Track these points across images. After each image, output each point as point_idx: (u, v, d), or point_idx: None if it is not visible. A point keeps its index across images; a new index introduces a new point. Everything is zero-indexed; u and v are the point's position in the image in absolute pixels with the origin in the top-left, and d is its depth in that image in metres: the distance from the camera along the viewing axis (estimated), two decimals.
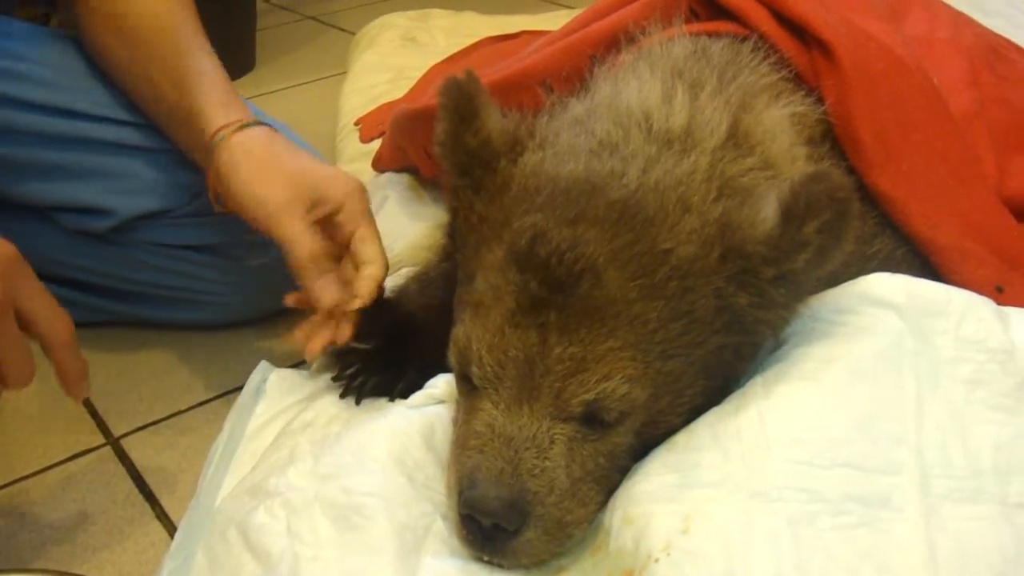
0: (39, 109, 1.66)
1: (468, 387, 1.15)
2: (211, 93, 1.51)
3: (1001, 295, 1.26)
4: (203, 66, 1.55)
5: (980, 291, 1.21)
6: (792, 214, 1.06)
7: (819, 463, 1.05)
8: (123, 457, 1.59)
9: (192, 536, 1.21)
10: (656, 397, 1.10)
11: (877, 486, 1.04)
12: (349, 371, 1.38)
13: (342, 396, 1.36)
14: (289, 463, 1.21)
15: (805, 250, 1.07)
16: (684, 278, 1.08)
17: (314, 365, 1.44)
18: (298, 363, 1.60)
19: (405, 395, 1.33)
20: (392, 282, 1.50)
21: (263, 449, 1.32)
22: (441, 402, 1.29)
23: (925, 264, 1.32)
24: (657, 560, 1.01)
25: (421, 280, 1.49)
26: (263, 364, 1.46)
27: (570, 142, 1.19)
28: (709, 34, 1.39)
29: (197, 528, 1.22)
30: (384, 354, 1.38)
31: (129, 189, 1.67)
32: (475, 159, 1.21)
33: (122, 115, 1.68)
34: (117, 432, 1.66)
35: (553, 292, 1.06)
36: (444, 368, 1.31)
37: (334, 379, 1.39)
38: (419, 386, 1.33)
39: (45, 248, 1.72)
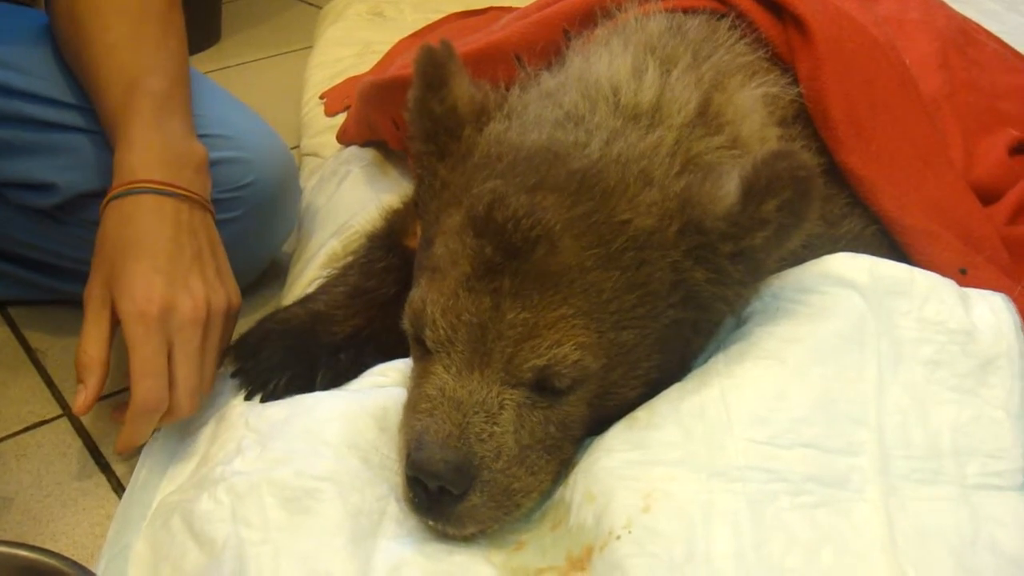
0: None
1: (421, 351, 1.14)
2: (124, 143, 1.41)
3: (964, 277, 1.27)
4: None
5: (944, 273, 1.22)
6: (753, 191, 1.06)
7: (780, 443, 1.06)
8: (79, 428, 1.57)
9: (128, 527, 1.19)
10: (609, 368, 1.10)
11: (837, 466, 1.05)
12: (256, 380, 1.32)
13: (262, 401, 1.30)
14: (236, 454, 1.19)
15: (765, 228, 1.08)
16: (641, 250, 1.08)
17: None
18: None
19: (333, 383, 1.31)
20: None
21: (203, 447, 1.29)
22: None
23: (893, 245, 1.33)
24: (618, 537, 1.01)
25: (344, 268, 1.49)
26: None
27: (537, 113, 1.19)
28: (685, 10, 1.38)
29: (134, 520, 1.20)
30: (290, 350, 1.35)
31: (73, 166, 1.63)
32: (441, 126, 1.21)
33: (72, 99, 1.64)
34: (73, 403, 1.63)
35: (508, 257, 1.06)
36: (369, 351, 1.33)
37: (247, 396, 1.31)
38: (346, 371, 1.32)
39: None
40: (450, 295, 1.09)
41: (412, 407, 1.13)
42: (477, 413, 1.07)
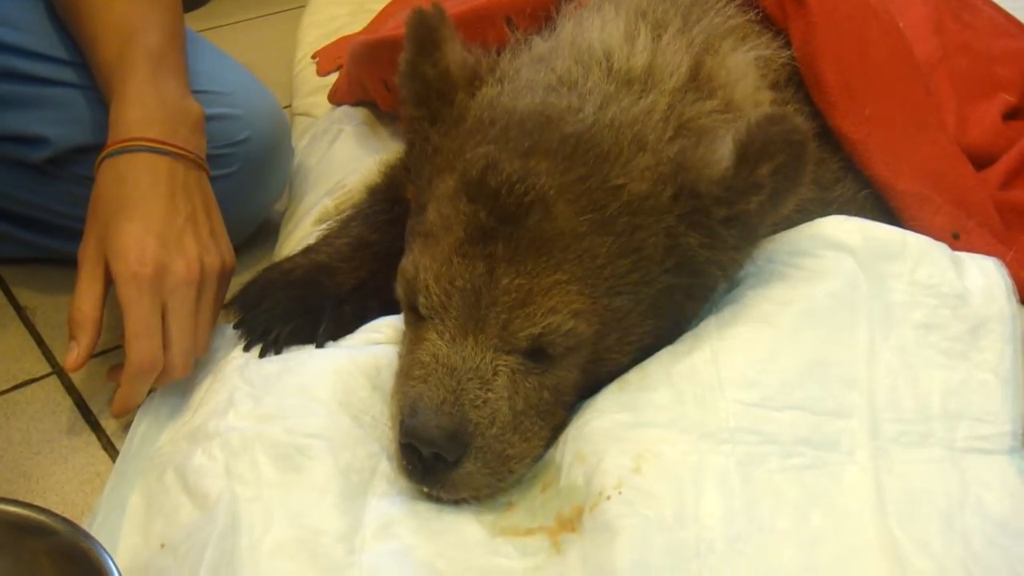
0: None
1: (415, 317, 1.14)
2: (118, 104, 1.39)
3: (957, 242, 1.27)
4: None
5: (936, 237, 1.22)
6: (747, 155, 1.06)
7: (771, 405, 1.06)
8: (69, 387, 1.57)
9: (124, 481, 1.19)
10: (603, 333, 1.10)
11: (828, 429, 1.05)
12: (258, 330, 1.32)
13: (261, 355, 1.29)
14: (229, 406, 1.19)
15: (759, 192, 1.07)
16: (635, 215, 1.08)
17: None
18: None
19: (335, 336, 1.30)
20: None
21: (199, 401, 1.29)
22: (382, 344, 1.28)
23: (886, 209, 1.32)
24: (608, 498, 1.01)
25: (346, 220, 1.47)
26: None
27: (529, 78, 1.18)
28: None
29: (130, 474, 1.20)
30: (294, 300, 1.34)
31: (65, 120, 1.62)
32: (433, 90, 1.20)
33: (64, 54, 1.62)
34: (63, 361, 1.63)
35: (502, 223, 1.06)
36: (373, 305, 1.32)
37: (246, 347, 1.31)
38: (349, 324, 1.32)
39: None
40: (443, 261, 1.08)
41: (405, 373, 1.13)
42: (471, 379, 1.07)
